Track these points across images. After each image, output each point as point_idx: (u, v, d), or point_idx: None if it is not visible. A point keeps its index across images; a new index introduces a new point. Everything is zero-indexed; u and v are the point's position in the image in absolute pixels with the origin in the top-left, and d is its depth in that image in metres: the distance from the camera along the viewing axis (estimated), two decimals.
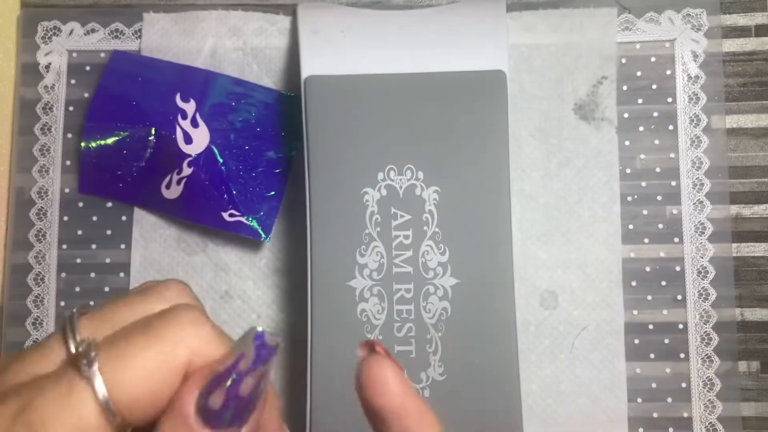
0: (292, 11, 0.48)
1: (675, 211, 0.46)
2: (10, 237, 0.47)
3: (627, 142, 0.47)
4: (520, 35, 0.47)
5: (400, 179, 0.40)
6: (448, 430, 0.24)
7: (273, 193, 0.46)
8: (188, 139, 0.46)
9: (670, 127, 0.47)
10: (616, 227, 0.46)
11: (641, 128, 0.47)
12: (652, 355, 0.45)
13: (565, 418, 0.45)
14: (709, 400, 0.45)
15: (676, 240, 0.46)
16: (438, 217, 0.40)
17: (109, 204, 0.47)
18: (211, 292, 0.47)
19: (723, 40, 0.47)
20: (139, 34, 0.48)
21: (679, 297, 0.46)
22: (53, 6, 0.49)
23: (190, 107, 0.47)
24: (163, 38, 0.48)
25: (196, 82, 0.47)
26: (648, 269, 0.46)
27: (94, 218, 0.47)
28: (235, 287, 0.47)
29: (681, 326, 0.45)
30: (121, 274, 0.47)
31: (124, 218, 0.47)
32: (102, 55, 0.48)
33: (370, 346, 0.23)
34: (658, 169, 0.46)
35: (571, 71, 0.47)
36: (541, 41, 0.47)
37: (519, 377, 0.39)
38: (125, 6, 0.49)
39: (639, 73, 0.47)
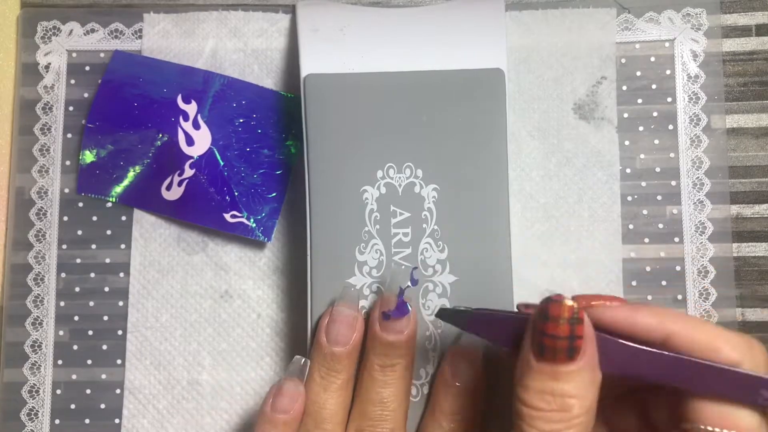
0: (291, 9, 0.48)
1: (675, 211, 0.46)
2: (10, 237, 0.47)
3: (627, 142, 0.47)
4: (519, 35, 0.47)
5: (399, 177, 0.40)
6: None
7: (274, 194, 0.46)
8: (190, 141, 0.46)
9: (670, 127, 0.47)
10: (616, 227, 0.46)
11: (641, 128, 0.47)
12: None
13: None
14: None
15: (677, 240, 0.46)
16: (437, 214, 0.40)
17: (109, 204, 0.47)
18: (210, 292, 0.46)
19: (723, 40, 0.47)
20: (139, 34, 0.48)
21: (680, 297, 0.46)
22: (53, 6, 0.49)
23: (191, 109, 0.47)
24: (164, 39, 0.48)
25: (198, 83, 0.47)
26: (648, 269, 0.46)
27: (94, 218, 0.47)
28: (235, 287, 0.47)
29: None
30: (121, 274, 0.47)
31: (124, 218, 0.47)
32: (102, 55, 0.48)
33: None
34: (658, 169, 0.46)
35: (571, 71, 0.47)
36: (540, 41, 0.47)
37: None
38: (125, 6, 0.49)
39: (639, 73, 0.47)
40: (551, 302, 0.30)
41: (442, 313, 0.35)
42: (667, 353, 0.30)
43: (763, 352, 0.30)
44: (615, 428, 0.35)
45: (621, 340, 0.30)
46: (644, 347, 0.30)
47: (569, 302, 0.30)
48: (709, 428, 0.29)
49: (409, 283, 0.38)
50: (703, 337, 0.30)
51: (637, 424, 0.34)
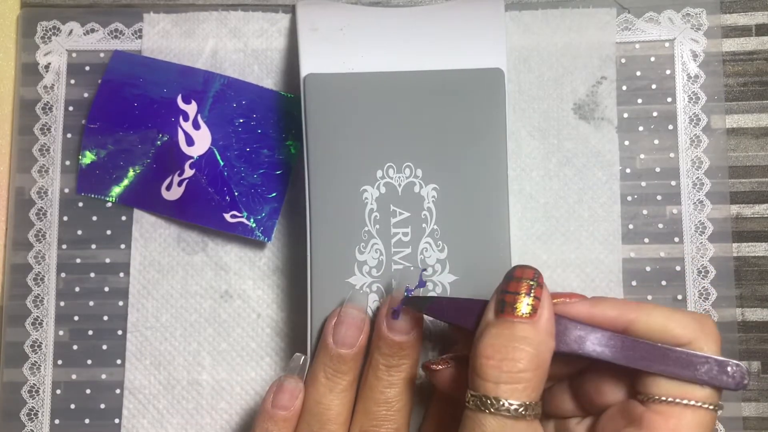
0: (291, 9, 0.48)
1: (675, 211, 0.46)
2: (10, 237, 0.47)
3: (627, 142, 0.47)
4: (519, 35, 0.47)
5: (399, 177, 0.40)
6: None
7: (274, 194, 0.46)
8: (190, 141, 0.46)
9: (670, 127, 0.47)
10: (616, 227, 0.46)
11: (641, 128, 0.47)
12: None
13: None
14: None
15: (677, 240, 0.46)
16: (437, 214, 0.40)
17: (109, 204, 0.47)
18: (210, 292, 0.46)
19: (723, 40, 0.47)
20: (138, 34, 0.48)
21: (680, 297, 0.46)
22: (53, 6, 0.49)
23: (191, 109, 0.47)
24: (163, 39, 0.48)
25: (197, 83, 0.47)
26: (648, 269, 0.46)
27: (94, 218, 0.47)
28: (235, 287, 0.47)
29: None
30: (121, 274, 0.47)
31: (124, 218, 0.47)
32: (102, 55, 0.48)
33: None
34: (657, 169, 0.46)
35: (571, 71, 0.47)
36: (540, 41, 0.47)
37: None
38: (125, 6, 0.49)
39: (638, 73, 0.47)
40: (517, 266, 0.33)
41: (408, 302, 0.37)
42: (618, 335, 0.32)
43: (713, 328, 0.32)
44: (554, 412, 0.37)
45: (582, 323, 0.32)
46: (600, 328, 0.32)
47: (533, 268, 0.33)
48: (663, 398, 0.31)
49: (417, 284, 0.38)
50: (657, 320, 0.32)
51: (572, 406, 0.36)
